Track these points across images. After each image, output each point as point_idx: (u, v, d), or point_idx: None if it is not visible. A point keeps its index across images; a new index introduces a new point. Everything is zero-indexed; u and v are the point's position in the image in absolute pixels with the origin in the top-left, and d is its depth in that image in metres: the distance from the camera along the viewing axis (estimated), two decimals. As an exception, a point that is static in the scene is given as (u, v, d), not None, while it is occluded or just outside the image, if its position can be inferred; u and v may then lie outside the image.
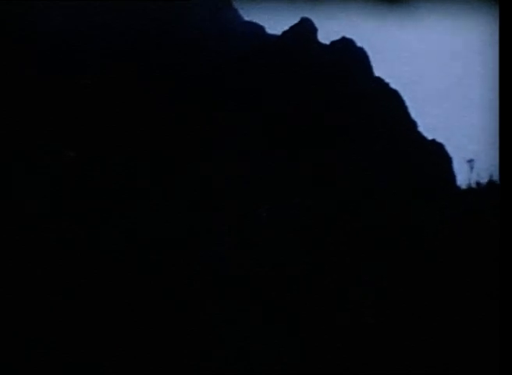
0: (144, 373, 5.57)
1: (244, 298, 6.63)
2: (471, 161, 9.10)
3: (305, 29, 17.54)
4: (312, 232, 7.99)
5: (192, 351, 5.85)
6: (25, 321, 5.67)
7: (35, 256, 6.51)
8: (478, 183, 8.31)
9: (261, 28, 18.26)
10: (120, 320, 5.96)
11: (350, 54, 16.68)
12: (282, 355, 5.94)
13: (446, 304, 6.28)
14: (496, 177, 8.19)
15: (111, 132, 10.14)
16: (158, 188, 8.84)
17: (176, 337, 5.96)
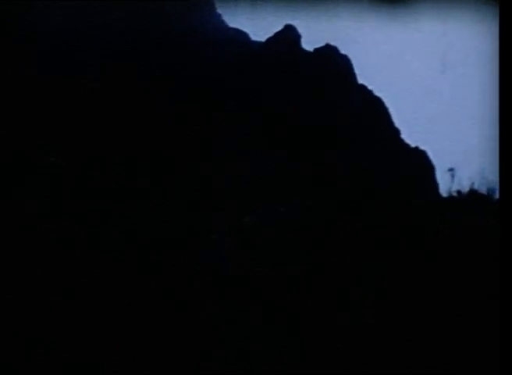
0: (144, 373, 5.57)
1: (244, 298, 6.62)
2: (451, 169, 8.98)
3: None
4: (312, 232, 7.98)
5: (192, 351, 5.84)
6: (25, 321, 5.67)
7: (35, 256, 6.51)
8: (467, 192, 8.31)
9: (246, 35, 18.07)
10: (120, 320, 5.96)
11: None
12: (282, 355, 5.94)
13: (446, 304, 6.27)
14: (494, 178, 8.18)
15: (111, 132, 10.14)
16: (158, 188, 8.84)
17: (176, 337, 5.95)
